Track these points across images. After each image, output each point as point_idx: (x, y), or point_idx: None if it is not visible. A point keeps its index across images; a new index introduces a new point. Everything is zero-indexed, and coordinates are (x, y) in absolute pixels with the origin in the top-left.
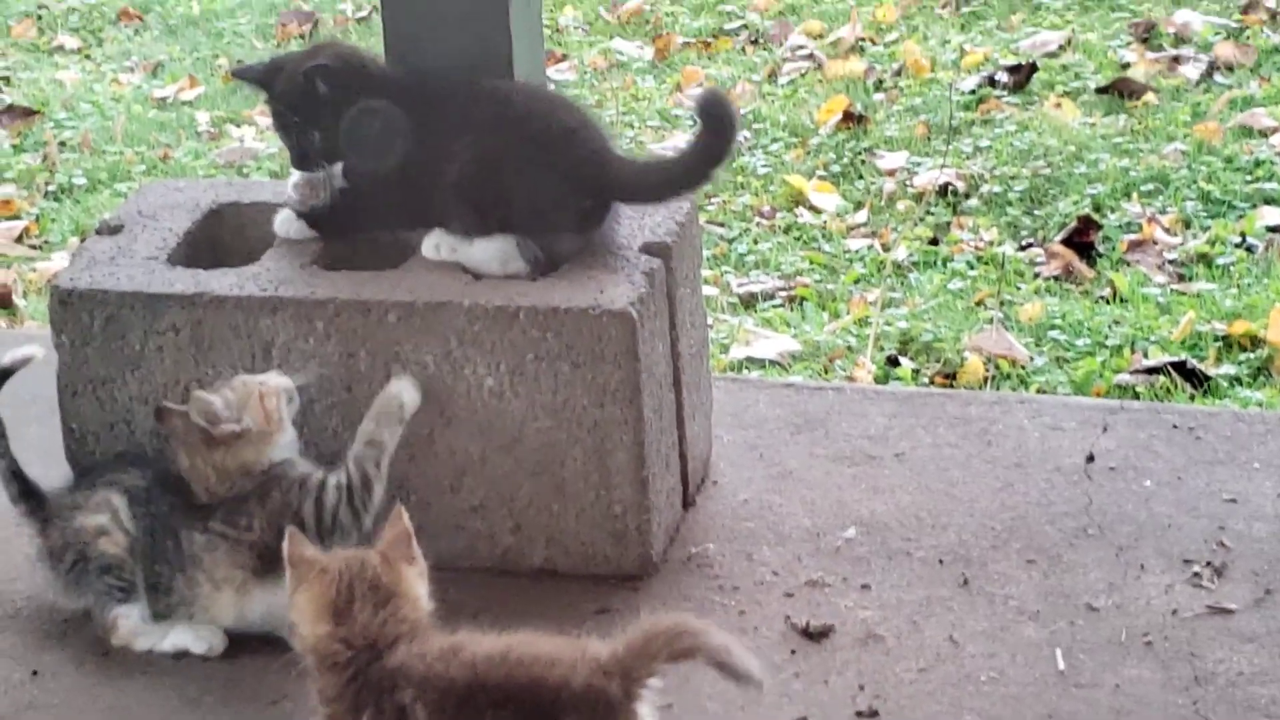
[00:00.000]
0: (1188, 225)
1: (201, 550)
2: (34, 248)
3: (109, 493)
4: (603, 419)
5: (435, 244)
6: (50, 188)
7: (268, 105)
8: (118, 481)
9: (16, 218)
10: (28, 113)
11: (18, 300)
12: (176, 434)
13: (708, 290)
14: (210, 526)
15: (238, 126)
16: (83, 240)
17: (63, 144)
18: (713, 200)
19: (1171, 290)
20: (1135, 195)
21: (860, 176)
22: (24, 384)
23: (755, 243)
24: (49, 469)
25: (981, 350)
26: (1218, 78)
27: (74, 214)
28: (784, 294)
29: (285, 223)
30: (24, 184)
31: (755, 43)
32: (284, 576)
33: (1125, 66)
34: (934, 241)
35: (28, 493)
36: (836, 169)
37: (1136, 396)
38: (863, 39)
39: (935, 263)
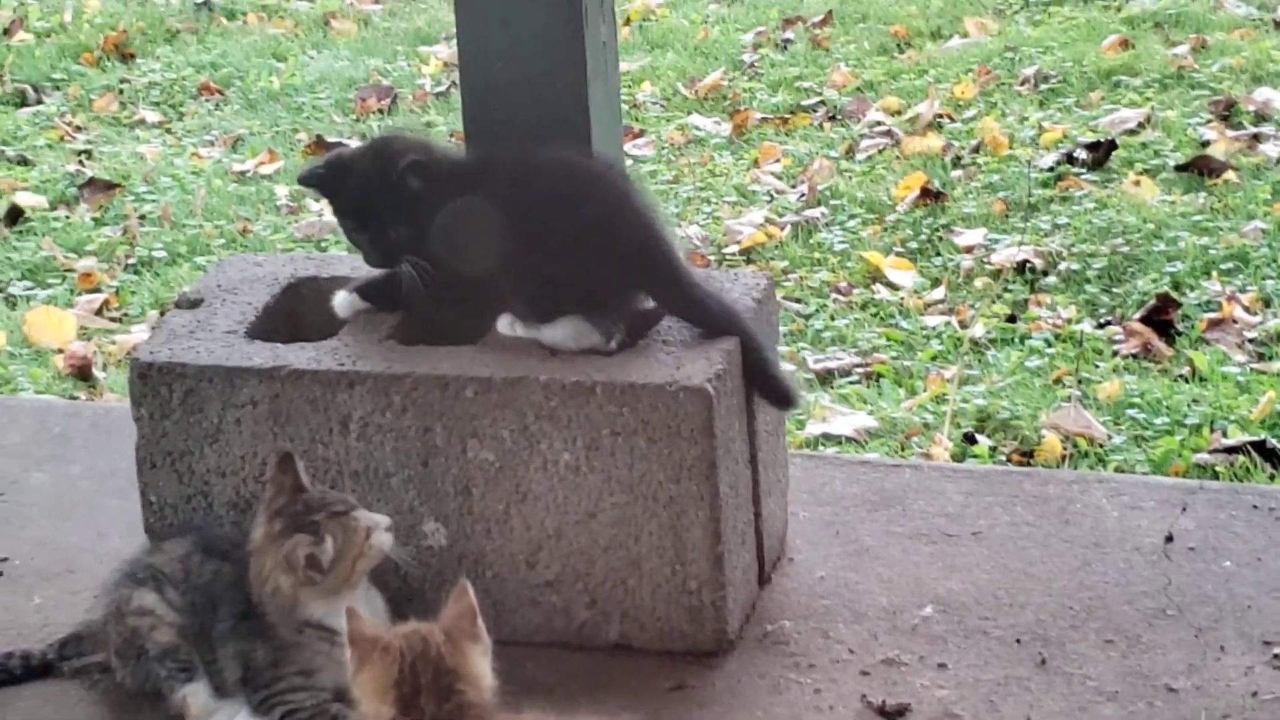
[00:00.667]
0: (1268, 304)
1: (226, 636)
2: (114, 320)
3: (141, 591)
4: (678, 495)
5: (509, 321)
6: (130, 261)
7: (334, 207)
8: (150, 572)
9: (97, 290)
10: (109, 186)
11: (97, 372)
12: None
13: (784, 366)
14: (235, 628)
15: (316, 201)
16: (162, 313)
17: (143, 217)
18: (790, 276)
19: (1251, 369)
20: (1215, 273)
21: (938, 253)
22: (103, 456)
23: (832, 319)
24: (127, 541)
25: (1059, 428)
26: None
27: (153, 287)
28: (860, 370)
29: (349, 304)
30: (105, 257)
31: (833, 119)
32: None
33: (1205, 144)
34: (1011, 319)
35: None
36: (914, 245)
37: (1216, 476)
38: (941, 115)
39: (1013, 340)
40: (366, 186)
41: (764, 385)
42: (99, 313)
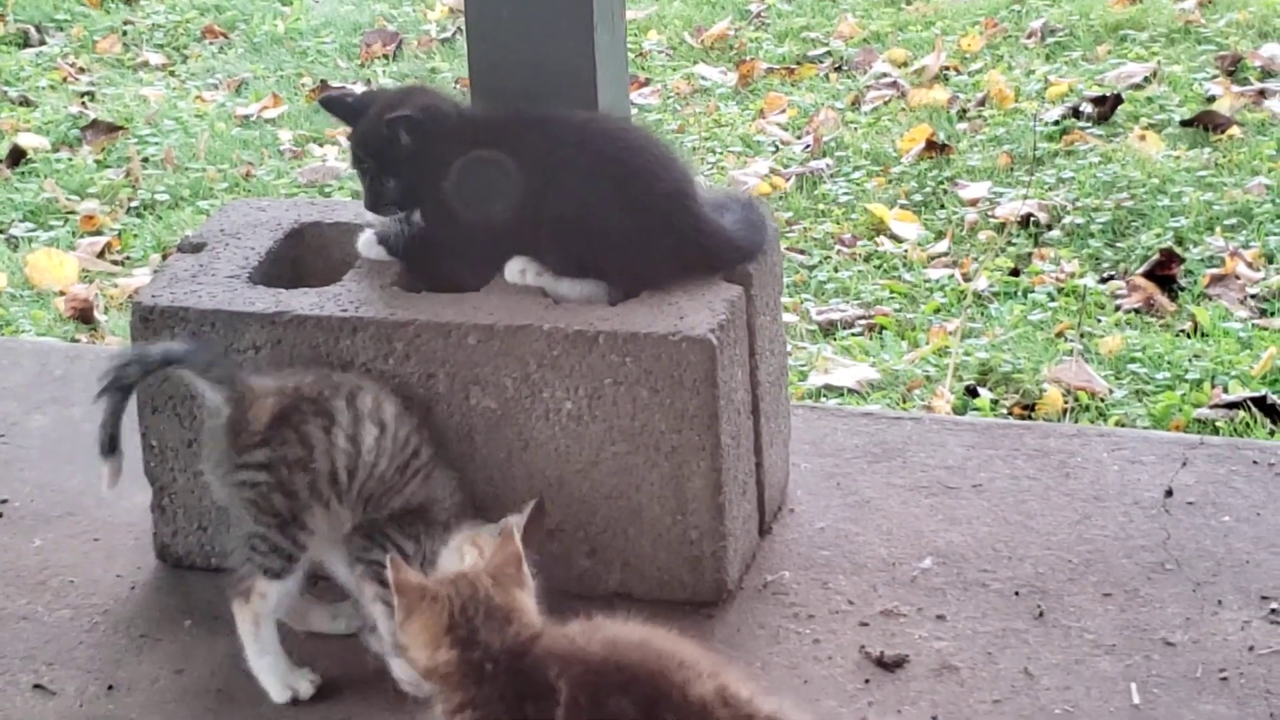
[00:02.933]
0: (1270, 260)
1: None
2: (116, 263)
3: None
4: (680, 445)
5: (520, 269)
6: (133, 204)
7: (349, 140)
8: None
9: (99, 233)
10: (112, 128)
11: (99, 315)
12: None
13: (787, 318)
14: None
15: (320, 145)
16: (165, 257)
17: (146, 160)
18: (794, 227)
19: (1253, 325)
20: (1218, 229)
21: (942, 206)
22: None
23: (835, 270)
24: (127, 485)
25: (1061, 382)
26: None
27: (156, 230)
28: (863, 322)
29: (368, 244)
30: (107, 200)
31: (839, 70)
32: None
33: (1210, 100)
34: (1015, 272)
35: None
36: (918, 198)
37: (1216, 431)
38: (947, 68)
39: (1016, 293)
40: (370, 132)
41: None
42: (101, 255)
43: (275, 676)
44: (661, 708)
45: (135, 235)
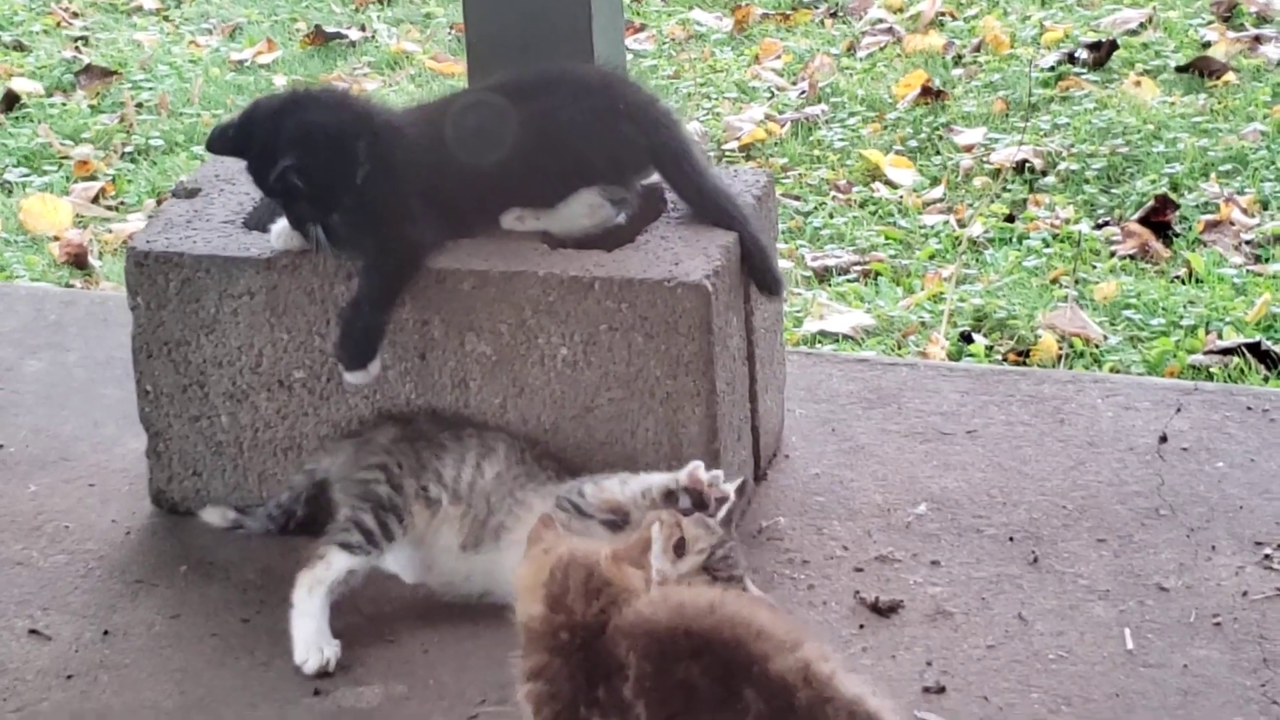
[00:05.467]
0: (1265, 206)
1: None
2: (110, 208)
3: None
4: (675, 390)
5: (517, 215)
6: (127, 149)
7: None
8: None
9: (93, 178)
10: (106, 73)
11: (93, 260)
12: None
13: (782, 263)
14: None
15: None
16: (159, 202)
17: (140, 105)
18: (789, 173)
19: (1248, 271)
20: (1213, 175)
21: (937, 152)
22: (99, 345)
23: (831, 217)
24: (122, 430)
25: (1055, 328)
26: None
27: (150, 176)
28: (859, 268)
29: (281, 235)
30: (101, 145)
31: (834, 15)
32: None
33: (1206, 46)
34: (1010, 218)
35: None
36: (913, 144)
37: (1210, 377)
38: (942, 14)
39: (1011, 240)
40: (264, 184)
41: (756, 272)
42: (95, 200)
43: (304, 639)
44: (739, 679)
45: (129, 180)
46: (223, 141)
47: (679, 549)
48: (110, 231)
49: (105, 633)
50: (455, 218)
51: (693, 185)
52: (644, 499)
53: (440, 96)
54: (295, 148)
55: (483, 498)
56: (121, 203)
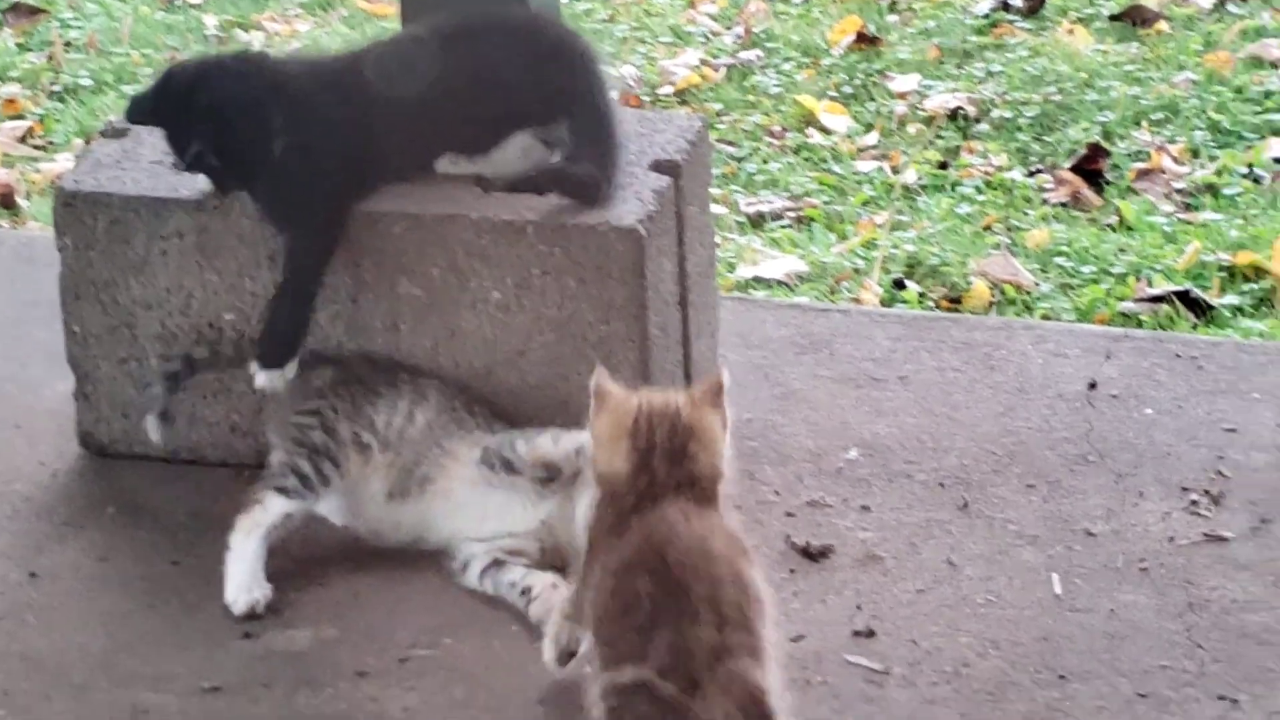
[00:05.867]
0: (1196, 155)
1: None
2: (38, 148)
3: None
4: (608, 335)
5: (451, 160)
6: (55, 88)
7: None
8: None
9: (20, 117)
10: (33, 11)
11: (20, 201)
12: None
13: (716, 209)
14: None
15: (246, 31)
16: (88, 142)
17: (69, 44)
18: (724, 119)
19: (1178, 219)
20: (1145, 124)
21: (871, 98)
22: (26, 286)
23: (765, 162)
24: (50, 371)
25: (987, 275)
26: (1230, 7)
27: (79, 115)
28: (792, 214)
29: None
30: (29, 84)
31: None
32: None
33: None
34: (943, 165)
35: None
36: (848, 90)
37: (1140, 325)
38: None
39: (944, 187)
40: (184, 158)
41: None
42: (23, 140)
43: (235, 580)
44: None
45: (58, 120)
46: (139, 114)
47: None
48: (38, 171)
49: (32, 575)
50: (387, 169)
51: (587, 132)
52: (577, 456)
53: (365, 44)
54: (208, 124)
55: (411, 446)
56: (50, 142)
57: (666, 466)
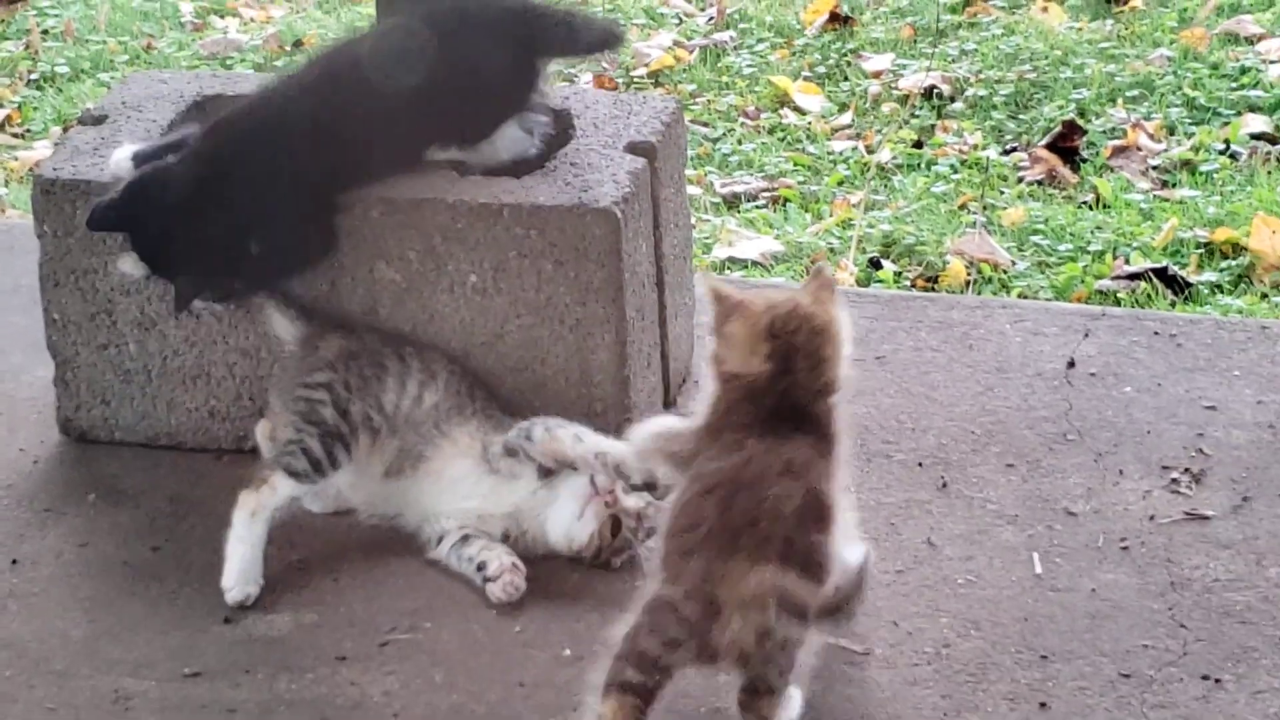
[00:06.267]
0: (1172, 132)
1: None
2: (16, 136)
3: None
4: (585, 317)
5: (440, 147)
6: (32, 76)
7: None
8: None
9: None
10: (10, 0)
11: None
12: None
13: (691, 190)
14: None
15: (222, 18)
16: (66, 130)
17: (45, 32)
18: (698, 100)
19: (1154, 196)
20: (1120, 101)
21: (845, 78)
22: (5, 273)
23: (739, 143)
24: (30, 358)
25: (964, 254)
26: None
27: (56, 103)
28: (767, 195)
29: (122, 163)
30: (6, 72)
31: None
32: None
33: None
34: (918, 144)
35: None
36: (822, 70)
37: (1118, 303)
38: None
39: (919, 166)
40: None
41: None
42: (1, 128)
43: (237, 567)
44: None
45: (35, 108)
46: (104, 224)
47: None
48: (16, 159)
49: (14, 561)
50: (377, 172)
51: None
52: (596, 460)
53: (339, 47)
54: (183, 265)
55: (415, 428)
56: (28, 130)
57: (807, 369)
